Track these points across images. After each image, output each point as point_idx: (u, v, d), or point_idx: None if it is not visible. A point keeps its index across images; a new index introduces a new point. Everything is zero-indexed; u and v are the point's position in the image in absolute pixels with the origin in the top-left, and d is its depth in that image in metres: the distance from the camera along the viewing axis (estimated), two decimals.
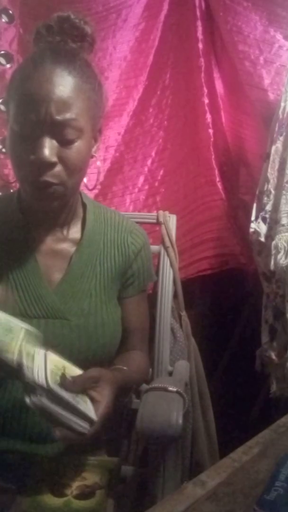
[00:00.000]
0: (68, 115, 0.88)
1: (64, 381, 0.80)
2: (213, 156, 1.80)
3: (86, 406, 0.82)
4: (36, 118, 0.87)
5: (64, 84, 0.88)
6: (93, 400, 0.84)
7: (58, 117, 0.87)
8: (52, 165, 0.88)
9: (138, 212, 1.61)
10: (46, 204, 0.93)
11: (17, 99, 0.89)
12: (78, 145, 0.90)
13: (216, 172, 1.80)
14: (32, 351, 0.82)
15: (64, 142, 0.89)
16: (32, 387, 0.76)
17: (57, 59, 0.89)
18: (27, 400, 0.76)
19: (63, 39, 0.93)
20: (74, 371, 0.87)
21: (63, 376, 0.81)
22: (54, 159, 0.88)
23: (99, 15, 1.52)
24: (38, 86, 0.87)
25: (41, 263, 1.00)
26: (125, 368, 0.98)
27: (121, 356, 1.06)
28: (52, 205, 0.93)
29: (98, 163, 1.04)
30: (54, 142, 0.88)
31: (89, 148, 0.96)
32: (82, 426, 0.79)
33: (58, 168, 0.89)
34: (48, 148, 0.87)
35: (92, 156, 0.98)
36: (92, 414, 0.81)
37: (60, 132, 0.88)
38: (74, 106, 0.89)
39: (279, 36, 1.59)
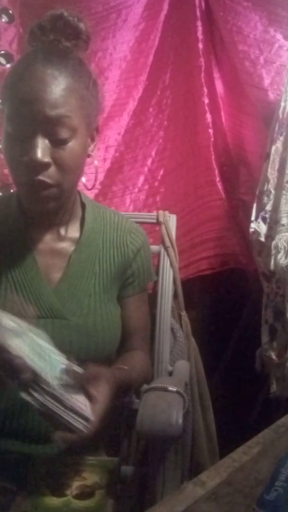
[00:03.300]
0: (61, 112, 0.87)
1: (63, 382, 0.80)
2: (213, 156, 1.79)
3: (83, 405, 0.81)
4: (28, 117, 0.86)
5: (55, 83, 0.87)
6: (91, 398, 0.83)
7: (51, 114, 0.86)
8: (45, 165, 0.88)
9: (138, 212, 1.61)
10: (41, 205, 0.92)
11: (10, 100, 0.89)
12: (71, 145, 0.89)
13: (216, 172, 1.80)
14: (37, 347, 0.82)
15: (57, 142, 0.88)
16: (29, 384, 0.76)
17: (48, 59, 0.89)
18: (23, 395, 0.76)
19: (57, 38, 0.92)
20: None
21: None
22: (47, 159, 0.87)
23: (99, 15, 1.52)
24: (29, 86, 0.86)
25: (40, 262, 0.99)
26: (126, 367, 0.98)
27: (122, 356, 1.06)
28: (47, 207, 0.92)
29: (96, 162, 1.03)
30: (47, 143, 0.88)
31: (84, 148, 0.94)
32: (80, 423, 0.78)
33: (52, 169, 0.89)
34: (41, 149, 0.86)
35: (89, 156, 0.97)
36: (88, 413, 0.80)
37: (52, 130, 0.87)
38: (66, 104, 0.88)
39: (279, 36, 1.59)
